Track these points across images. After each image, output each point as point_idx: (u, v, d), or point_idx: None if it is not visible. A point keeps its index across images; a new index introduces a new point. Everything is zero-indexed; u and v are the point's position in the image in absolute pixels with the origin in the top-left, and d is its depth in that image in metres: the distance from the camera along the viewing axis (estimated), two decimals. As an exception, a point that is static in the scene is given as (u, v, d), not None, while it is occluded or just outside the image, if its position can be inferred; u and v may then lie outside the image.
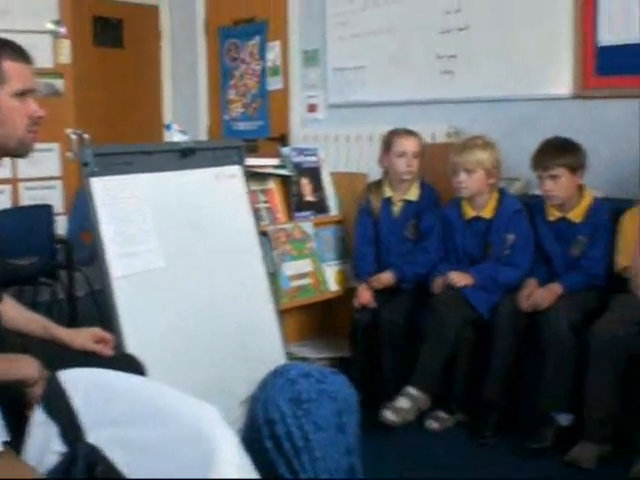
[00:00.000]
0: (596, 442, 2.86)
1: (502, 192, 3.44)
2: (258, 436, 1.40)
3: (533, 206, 3.38)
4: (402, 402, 3.16)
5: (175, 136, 3.24)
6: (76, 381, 1.35)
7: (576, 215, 3.24)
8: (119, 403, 1.31)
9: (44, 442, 1.33)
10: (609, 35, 3.65)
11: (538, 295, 3.14)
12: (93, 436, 1.30)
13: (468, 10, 4.08)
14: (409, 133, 3.59)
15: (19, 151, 1.95)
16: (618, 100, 3.62)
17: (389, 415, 3.13)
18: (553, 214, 3.27)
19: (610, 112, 3.66)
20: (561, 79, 3.78)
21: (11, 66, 1.88)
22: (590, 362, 2.88)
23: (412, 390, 3.18)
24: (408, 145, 3.54)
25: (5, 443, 1.31)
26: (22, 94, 1.90)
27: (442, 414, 3.24)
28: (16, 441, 1.35)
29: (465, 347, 3.23)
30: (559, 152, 3.19)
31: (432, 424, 3.22)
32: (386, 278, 3.49)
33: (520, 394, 3.16)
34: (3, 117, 1.87)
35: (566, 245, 3.26)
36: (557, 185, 3.18)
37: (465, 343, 3.23)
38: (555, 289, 3.14)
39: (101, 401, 1.33)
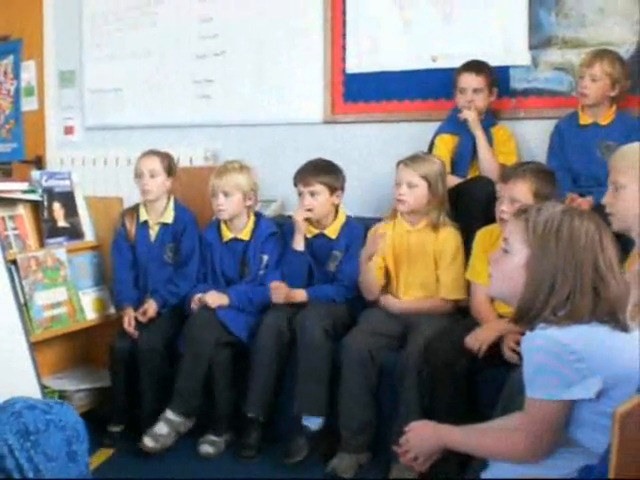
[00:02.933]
0: (354, 452, 2.98)
1: (258, 215, 3.55)
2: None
3: (288, 227, 3.49)
4: (160, 428, 3.14)
5: None
6: None
7: (332, 232, 3.40)
8: None
9: None
10: (356, 63, 3.87)
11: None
12: None
13: (224, 35, 4.16)
14: (147, 153, 3.58)
15: None
16: (364, 125, 3.84)
17: (148, 442, 3.10)
18: (310, 231, 3.40)
19: (357, 136, 3.87)
20: (313, 104, 3.95)
21: None
22: (342, 373, 3.02)
23: (170, 415, 3.17)
24: (143, 164, 3.53)
25: None
26: None
27: (214, 437, 3.22)
28: None
29: (221, 367, 3.24)
30: (321, 170, 3.37)
31: (206, 449, 3.19)
32: (150, 309, 3.43)
33: (280, 409, 3.22)
34: None
35: (324, 260, 3.40)
36: (316, 201, 3.33)
37: (221, 363, 3.24)
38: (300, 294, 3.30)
39: None
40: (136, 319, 3.42)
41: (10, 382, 2.91)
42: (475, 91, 3.50)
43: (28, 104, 5.00)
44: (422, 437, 1.99)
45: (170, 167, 3.58)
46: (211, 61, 4.18)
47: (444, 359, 2.78)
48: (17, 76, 5.06)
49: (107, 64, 4.54)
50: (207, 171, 3.68)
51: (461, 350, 2.77)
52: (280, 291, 3.30)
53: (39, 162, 4.79)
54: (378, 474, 2.90)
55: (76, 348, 3.76)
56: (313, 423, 3.07)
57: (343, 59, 3.93)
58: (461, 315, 3.15)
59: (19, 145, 5.07)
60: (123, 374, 3.38)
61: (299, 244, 3.37)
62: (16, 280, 3.20)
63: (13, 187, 3.47)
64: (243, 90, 4.12)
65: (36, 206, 3.54)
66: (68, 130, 4.76)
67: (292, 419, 3.11)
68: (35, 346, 3.11)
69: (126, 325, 3.40)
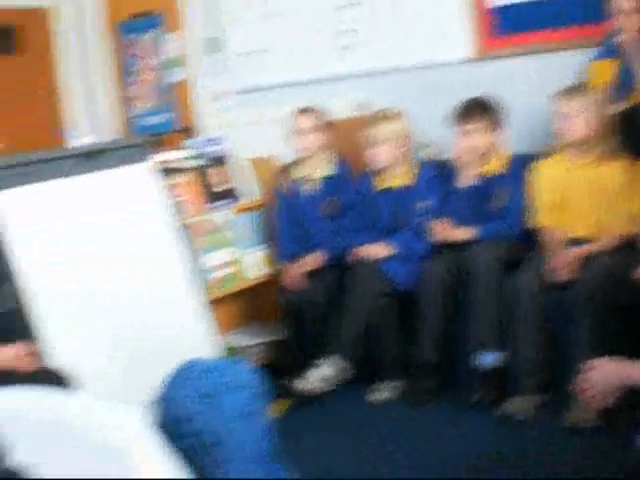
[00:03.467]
0: (528, 393, 2.94)
1: (416, 160, 3.50)
2: (169, 436, 1.38)
3: (447, 169, 3.43)
4: (323, 371, 3.22)
5: (78, 140, 3.16)
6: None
7: (494, 169, 3.32)
8: (32, 422, 1.28)
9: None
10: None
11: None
12: (13, 459, 1.26)
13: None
14: (300, 111, 3.64)
15: None
16: (515, 59, 3.68)
17: (308, 385, 3.21)
18: (472, 169, 3.32)
19: (510, 70, 3.72)
20: (460, 43, 3.82)
21: None
22: (515, 313, 2.97)
23: (332, 360, 3.23)
24: (298, 123, 3.60)
25: None
26: None
27: (384, 384, 3.29)
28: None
29: (386, 316, 3.28)
30: (480, 108, 3.30)
31: (377, 396, 3.26)
32: (315, 260, 3.50)
33: (451, 352, 3.22)
34: None
35: (487, 199, 3.32)
36: (476, 139, 3.26)
37: (386, 312, 3.27)
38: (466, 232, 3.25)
39: (20, 423, 1.30)
40: (302, 272, 3.49)
41: (191, 341, 3.06)
42: (631, 12, 3.27)
43: (176, 75, 5.14)
44: (604, 373, 1.92)
45: (324, 122, 3.60)
46: (351, 11, 4.12)
47: (616, 296, 2.71)
48: (163, 49, 5.20)
49: (249, 27, 4.57)
50: (358, 122, 3.67)
51: (634, 286, 2.66)
52: (444, 228, 3.26)
53: (190, 131, 4.93)
54: (554, 417, 2.85)
55: (245, 306, 3.89)
56: (488, 360, 3.04)
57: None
58: (630, 249, 3.01)
59: (170, 116, 5.24)
60: (295, 324, 3.49)
61: (462, 182, 3.31)
62: (185, 245, 3.33)
63: (174, 156, 3.60)
64: (386, 36, 4.03)
65: (197, 172, 3.66)
66: (217, 96, 4.85)
67: (464, 362, 3.11)
68: (211, 305, 3.25)
69: (291, 278, 3.47)
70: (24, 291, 2.61)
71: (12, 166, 2.73)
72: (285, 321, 3.53)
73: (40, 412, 1.34)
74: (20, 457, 1.27)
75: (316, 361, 3.26)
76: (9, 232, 2.63)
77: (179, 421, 1.51)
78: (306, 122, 3.58)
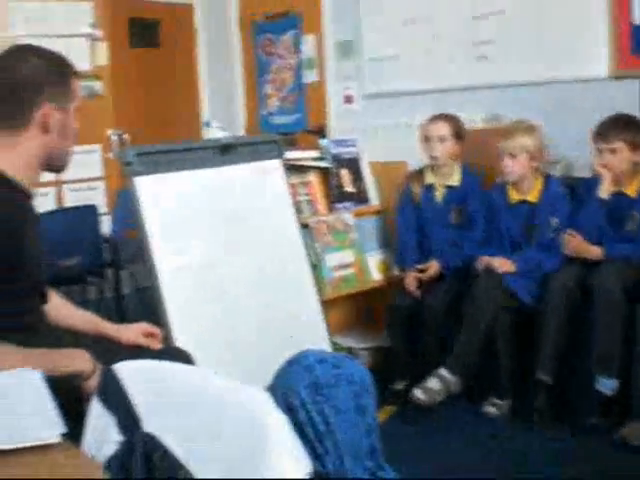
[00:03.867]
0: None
1: (547, 176, 3.44)
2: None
3: (581, 186, 3.37)
4: (432, 383, 3.20)
5: (214, 133, 3.27)
6: (130, 373, 1.38)
7: (633, 190, 3.22)
8: (172, 393, 1.34)
9: (102, 432, 1.36)
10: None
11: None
12: (149, 425, 1.32)
13: (502, -6, 4.05)
14: (435, 118, 3.63)
15: (66, 165, 2.01)
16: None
17: (418, 394, 3.18)
18: (608, 190, 3.23)
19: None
20: (598, 59, 3.73)
21: (75, 82, 1.96)
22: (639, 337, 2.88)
23: (444, 372, 3.21)
24: (433, 130, 3.57)
25: (63, 435, 1.34)
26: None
27: (497, 400, 3.25)
28: (72, 434, 1.38)
29: (505, 331, 3.23)
30: (622, 127, 3.20)
31: (489, 409, 3.24)
32: (433, 270, 3.50)
33: (570, 372, 3.15)
34: (71, 131, 1.96)
35: (621, 221, 3.23)
36: (616, 159, 3.17)
37: (505, 327, 3.23)
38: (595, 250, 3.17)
39: (155, 391, 1.36)
40: (419, 280, 3.49)
41: (303, 336, 3.12)
42: None
43: (309, 76, 5.23)
44: None
45: (459, 131, 3.60)
46: (489, 21, 4.09)
47: None
48: (298, 50, 5.31)
49: (384, 32, 4.60)
50: (489, 133, 3.64)
51: None
52: (574, 241, 3.19)
53: (321, 131, 5.00)
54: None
55: (360, 308, 3.92)
56: (607, 387, 2.96)
57: (629, 10, 3.66)
58: None
59: (301, 116, 5.34)
60: (403, 332, 3.48)
61: (603, 192, 3.21)
62: (308, 243, 3.39)
63: (304, 155, 3.68)
64: (523, 49, 3.98)
65: (325, 173, 3.73)
66: (348, 99, 4.91)
67: (582, 383, 3.04)
68: (324, 304, 3.30)
69: (408, 285, 3.48)
70: (155, 271, 2.73)
71: (153, 153, 2.87)
72: (394, 328, 3.52)
73: (169, 382, 1.39)
74: (151, 428, 1.33)
75: (431, 371, 3.25)
76: (147, 215, 2.76)
77: (293, 409, 1.54)
78: (441, 129, 3.58)
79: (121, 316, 4.28)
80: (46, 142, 1.92)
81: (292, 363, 1.66)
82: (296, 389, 1.50)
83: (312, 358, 1.65)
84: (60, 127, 1.92)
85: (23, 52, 1.96)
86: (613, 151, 3.19)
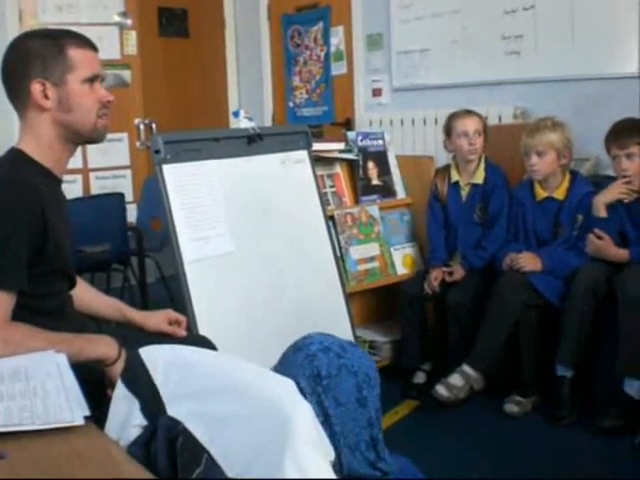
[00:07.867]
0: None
1: (574, 173, 3.40)
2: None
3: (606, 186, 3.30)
4: (455, 379, 3.20)
5: (242, 123, 3.26)
6: (155, 357, 1.38)
7: None
8: (197, 378, 1.34)
9: (125, 416, 1.37)
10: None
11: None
12: (173, 409, 1.33)
13: (534, -11, 4.01)
14: (468, 113, 3.59)
15: (93, 137, 1.97)
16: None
17: (440, 390, 3.18)
18: (629, 194, 3.18)
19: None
20: (628, 57, 3.69)
21: (77, 53, 1.90)
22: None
23: (467, 368, 3.21)
24: (469, 124, 3.53)
25: (86, 418, 1.35)
26: (91, 80, 1.92)
27: (519, 398, 3.22)
28: (96, 419, 1.39)
29: (529, 329, 3.21)
30: (635, 130, 3.14)
31: (512, 408, 3.20)
32: (458, 274, 3.48)
33: (595, 373, 3.13)
34: (75, 103, 1.90)
35: None
36: (633, 164, 3.12)
37: (529, 325, 3.21)
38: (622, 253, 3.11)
39: (180, 376, 1.36)
40: (443, 279, 3.49)
41: (327, 328, 3.10)
42: None
43: (337, 68, 5.22)
44: None
45: (485, 127, 3.57)
46: (520, 16, 4.06)
47: None
48: (326, 42, 5.30)
49: (413, 25, 4.59)
50: (517, 129, 3.60)
51: None
52: (597, 242, 3.14)
53: (348, 124, 5.00)
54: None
55: (383, 302, 3.91)
56: (633, 389, 2.93)
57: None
58: None
59: (329, 108, 5.33)
60: (414, 320, 3.54)
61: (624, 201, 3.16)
62: (333, 235, 3.39)
63: (331, 147, 3.66)
64: (553, 45, 3.95)
65: (351, 165, 3.72)
66: (376, 92, 4.90)
67: (608, 384, 3.00)
68: (348, 297, 3.30)
69: (432, 279, 3.48)
70: (181, 260, 2.74)
71: (181, 142, 2.87)
72: (404, 316, 3.55)
73: (195, 367, 1.39)
74: (174, 412, 1.34)
75: (455, 367, 3.25)
76: (173, 203, 2.77)
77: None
78: (470, 124, 3.53)
79: (145, 304, 4.30)
80: (52, 119, 1.89)
81: (295, 350, 1.64)
82: (296, 379, 1.47)
83: (316, 346, 1.61)
84: (58, 101, 1.88)
85: (20, 37, 1.95)
86: (629, 156, 3.12)
